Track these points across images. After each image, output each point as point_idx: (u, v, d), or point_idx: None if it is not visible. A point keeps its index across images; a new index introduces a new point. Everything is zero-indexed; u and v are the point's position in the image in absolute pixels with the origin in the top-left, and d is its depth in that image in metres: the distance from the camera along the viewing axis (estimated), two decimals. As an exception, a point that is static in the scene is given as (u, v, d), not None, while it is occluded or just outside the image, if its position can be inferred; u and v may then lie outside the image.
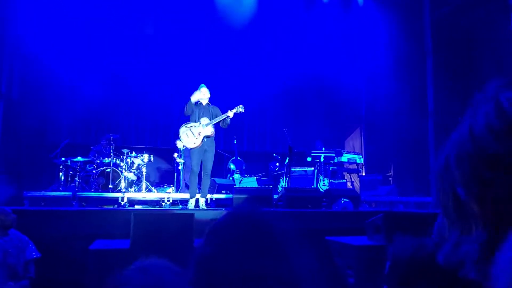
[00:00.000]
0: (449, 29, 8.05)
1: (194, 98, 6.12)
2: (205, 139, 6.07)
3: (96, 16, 9.13)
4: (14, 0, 7.94)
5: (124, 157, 7.75)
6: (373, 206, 8.17)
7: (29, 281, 3.72)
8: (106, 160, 7.66)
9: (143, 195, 7.46)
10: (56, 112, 8.91)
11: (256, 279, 0.86)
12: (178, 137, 6.83)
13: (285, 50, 10.17)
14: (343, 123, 11.06)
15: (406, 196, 8.29)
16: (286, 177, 7.95)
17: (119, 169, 7.49)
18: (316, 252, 4.11)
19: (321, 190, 7.76)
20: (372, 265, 3.33)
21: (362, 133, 10.89)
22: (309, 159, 8.92)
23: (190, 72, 9.30)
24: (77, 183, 7.35)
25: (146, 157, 7.92)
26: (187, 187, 7.81)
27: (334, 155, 9.04)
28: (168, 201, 7.12)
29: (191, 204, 6.06)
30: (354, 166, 9.59)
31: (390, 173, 9.78)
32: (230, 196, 6.89)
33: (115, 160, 7.55)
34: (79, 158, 7.49)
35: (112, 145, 7.52)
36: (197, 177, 6.16)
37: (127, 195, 7.00)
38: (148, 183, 7.87)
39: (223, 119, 6.14)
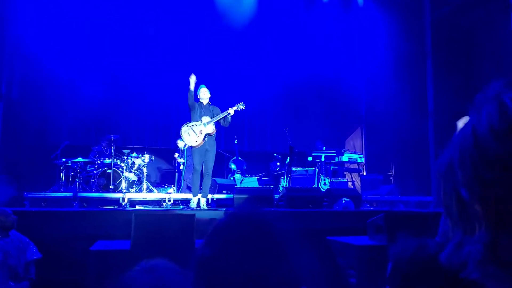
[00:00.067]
0: (449, 29, 8.05)
1: (192, 85, 6.17)
2: (206, 138, 6.09)
3: (96, 16, 9.14)
4: (14, 0, 7.94)
5: (125, 157, 7.76)
6: (374, 205, 8.17)
7: (30, 282, 3.71)
8: (107, 160, 7.67)
9: (144, 195, 7.46)
10: (56, 113, 8.90)
11: (257, 279, 0.86)
12: (179, 137, 6.84)
13: (285, 50, 10.16)
14: (344, 123, 11.06)
15: (406, 195, 8.30)
16: (287, 177, 7.95)
17: (120, 169, 7.49)
18: (317, 252, 4.11)
19: (322, 189, 7.74)
20: (374, 265, 3.32)
21: (363, 133, 10.89)
22: (310, 158, 8.93)
23: (190, 72, 9.27)
24: (77, 183, 7.35)
25: (146, 157, 7.92)
26: (188, 187, 7.82)
27: (335, 154, 9.04)
28: (169, 201, 7.12)
29: (194, 202, 6.09)
30: (355, 166, 9.59)
31: (391, 173, 9.79)
32: (231, 196, 6.87)
33: (116, 160, 7.55)
34: (80, 159, 7.49)
35: (112, 146, 7.51)
36: (199, 175, 6.18)
37: (128, 196, 6.99)
38: (149, 184, 7.86)
39: (224, 117, 6.18)
